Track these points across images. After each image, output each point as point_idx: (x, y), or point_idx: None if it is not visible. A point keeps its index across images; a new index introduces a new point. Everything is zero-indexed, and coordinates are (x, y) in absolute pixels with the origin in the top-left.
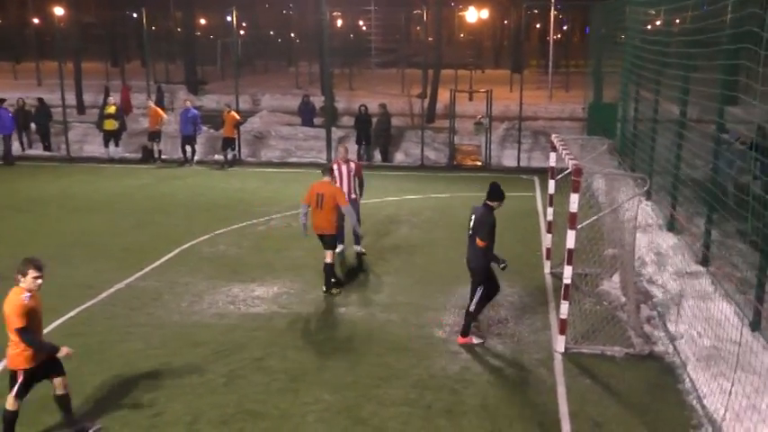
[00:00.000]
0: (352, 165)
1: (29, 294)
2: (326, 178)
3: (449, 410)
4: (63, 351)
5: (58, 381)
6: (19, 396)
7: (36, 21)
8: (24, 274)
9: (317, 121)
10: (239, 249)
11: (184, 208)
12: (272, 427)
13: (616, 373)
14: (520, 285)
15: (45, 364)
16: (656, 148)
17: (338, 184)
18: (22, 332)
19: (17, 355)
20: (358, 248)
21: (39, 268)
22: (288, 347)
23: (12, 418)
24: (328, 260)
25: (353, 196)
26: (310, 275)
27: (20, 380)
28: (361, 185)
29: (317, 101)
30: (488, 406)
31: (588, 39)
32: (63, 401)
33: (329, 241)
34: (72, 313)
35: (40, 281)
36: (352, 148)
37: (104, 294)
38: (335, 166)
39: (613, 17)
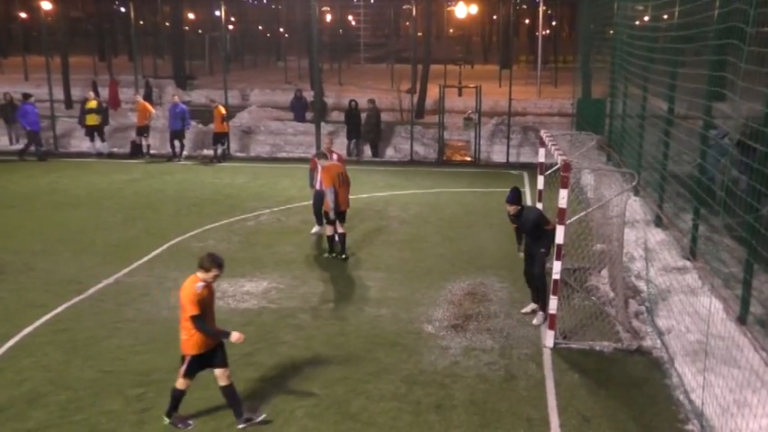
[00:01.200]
0: (335, 156)
1: (202, 284)
2: (329, 161)
3: (438, 405)
4: (233, 336)
5: (219, 372)
6: (187, 376)
7: (23, 15)
8: (207, 270)
9: (307, 115)
10: (228, 245)
11: (173, 203)
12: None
13: (604, 368)
14: (509, 280)
15: (210, 353)
16: (644, 143)
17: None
18: (195, 319)
19: (186, 341)
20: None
21: (221, 267)
22: (277, 343)
23: (179, 395)
24: (342, 230)
25: None
26: (299, 271)
27: (186, 363)
28: None
29: (307, 96)
30: (477, 401)
31: (577, 34)
32: (226, 392)
33: (345, 216)
34: (60, 309)
35: (218, 278)
36: (343, 143)
37: (92, 290)
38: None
39: (602, 13)
